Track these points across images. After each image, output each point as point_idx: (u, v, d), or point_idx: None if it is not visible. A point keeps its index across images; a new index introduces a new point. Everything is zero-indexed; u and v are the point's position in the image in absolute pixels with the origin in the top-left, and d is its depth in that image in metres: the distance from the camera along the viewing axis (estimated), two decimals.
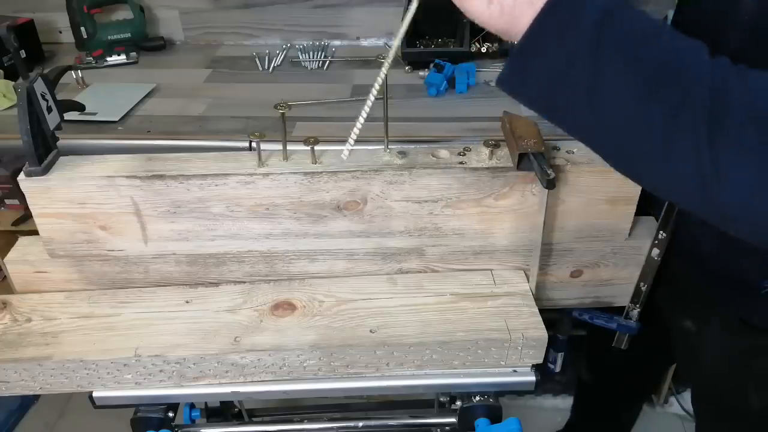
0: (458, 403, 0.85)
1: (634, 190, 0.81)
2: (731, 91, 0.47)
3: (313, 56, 1.48)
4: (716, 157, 0.46)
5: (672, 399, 1.76)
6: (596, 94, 0.50)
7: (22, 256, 0.85)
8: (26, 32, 1.44)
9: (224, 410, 1.15)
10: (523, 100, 0.55)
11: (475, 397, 0.81)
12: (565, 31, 0.49)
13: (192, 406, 1.01)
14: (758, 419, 0.85)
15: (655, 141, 0.49)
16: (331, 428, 0.88)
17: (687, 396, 1.71)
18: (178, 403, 0.83)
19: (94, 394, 0.78)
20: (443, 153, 0.81)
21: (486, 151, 0.80)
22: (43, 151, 0.78)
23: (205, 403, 1.08)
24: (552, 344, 0.84)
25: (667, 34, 0.49)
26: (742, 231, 0.51)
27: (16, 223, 1.50)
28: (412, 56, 1.37)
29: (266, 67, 1.44)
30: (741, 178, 0.46)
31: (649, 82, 0.48)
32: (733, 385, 0.86)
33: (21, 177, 0.78)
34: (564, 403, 1.67)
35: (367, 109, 0.60)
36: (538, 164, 0.74)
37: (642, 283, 0.90)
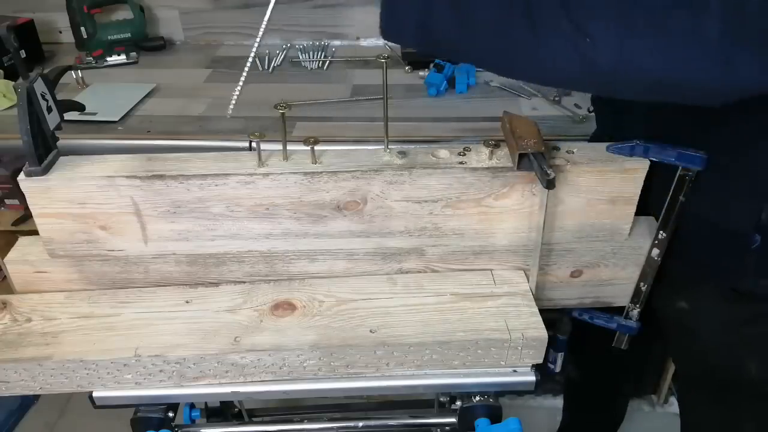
0: (458, 403, 0.85)
1: (634, 190, 0.81)
2: None
3: (313, 56, 1.48)
4: (576, 20, 0.54)
5: (672, 399, 1.76)
6: (461, 9, 0.57)
7: (22, 256, 0.85)
8: (26, 32, 1.44)
9: (224, 410, 1.15)
10: (406, 43, 0.64)
11: (475, 397, 0.81)
12: None
13: (192, 406, 1.01)
14: (756, 391, 0.84)
15: (523, 28, 0.56)
16: (331, 428, 0.88)
17: None
18: (178, 403, 0.83)
19: (94, 394, 0.78)
20: (443, 153, 0.81)
21: (486, 151, 0.80)
22: (43, 151, 0.78)
23: (205, 403, 1.08)
24: (552, 344, 0.84)
25: None
26: (625, 87, 0.58)
27: (16, 223, 1.50)
28: (412, 56, 1.37)
29: (266, 67, 1.44)
30: (604, 31, 0.53)
31: None
32: (731, 356, 0.86)
33: (21, 177, 0.78)
34: None
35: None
36: (538, 164, 0.74)
37: (642, 283, 0.90)
